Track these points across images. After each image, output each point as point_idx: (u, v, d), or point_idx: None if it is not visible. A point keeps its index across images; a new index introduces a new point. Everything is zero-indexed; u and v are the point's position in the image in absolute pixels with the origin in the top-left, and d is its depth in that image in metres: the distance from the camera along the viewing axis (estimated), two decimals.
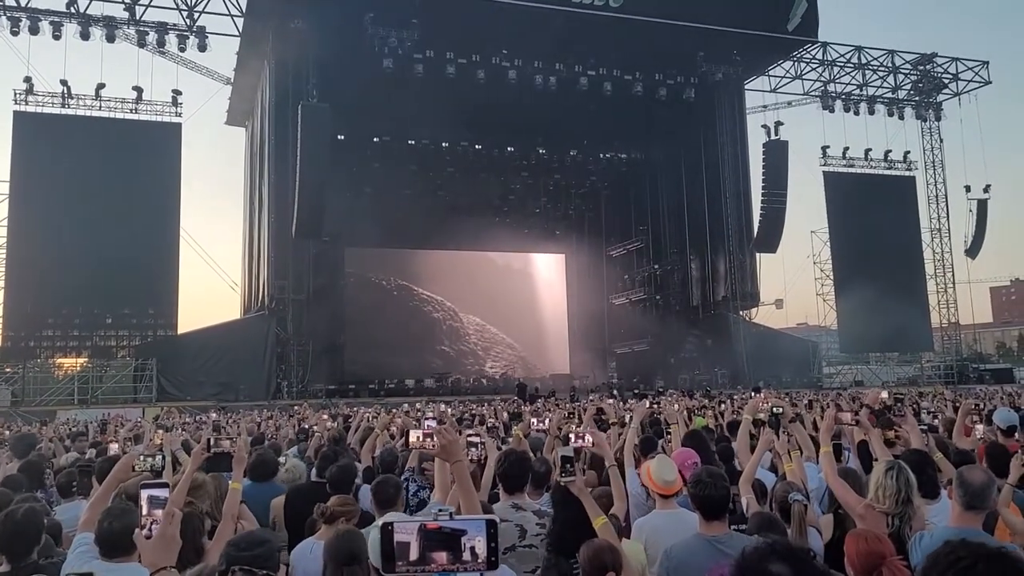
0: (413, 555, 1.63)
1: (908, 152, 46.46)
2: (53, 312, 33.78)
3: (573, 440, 5.51)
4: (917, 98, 45.77)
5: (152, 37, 34.04)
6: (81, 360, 36.30)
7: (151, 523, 2.83)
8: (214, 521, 4.63)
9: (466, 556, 1.63)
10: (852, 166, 45.56)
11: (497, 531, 1.64)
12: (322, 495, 5.52)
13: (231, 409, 25.50)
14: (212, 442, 5.13)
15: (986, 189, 45.22)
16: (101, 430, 14.82)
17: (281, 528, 6.37)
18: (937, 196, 46.71)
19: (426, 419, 9.02)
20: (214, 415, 17.78)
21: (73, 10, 32.82)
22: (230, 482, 4.81)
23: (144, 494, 2.88)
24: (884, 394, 9.38)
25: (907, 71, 44.53)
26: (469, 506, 3.66)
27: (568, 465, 4.14)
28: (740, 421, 7.09)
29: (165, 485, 2.98)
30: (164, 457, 5.38)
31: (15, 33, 32.23)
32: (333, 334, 38.35)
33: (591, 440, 5.50)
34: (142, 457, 4.68)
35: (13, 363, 34.50)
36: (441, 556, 1.63)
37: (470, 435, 5.94)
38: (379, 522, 1.69)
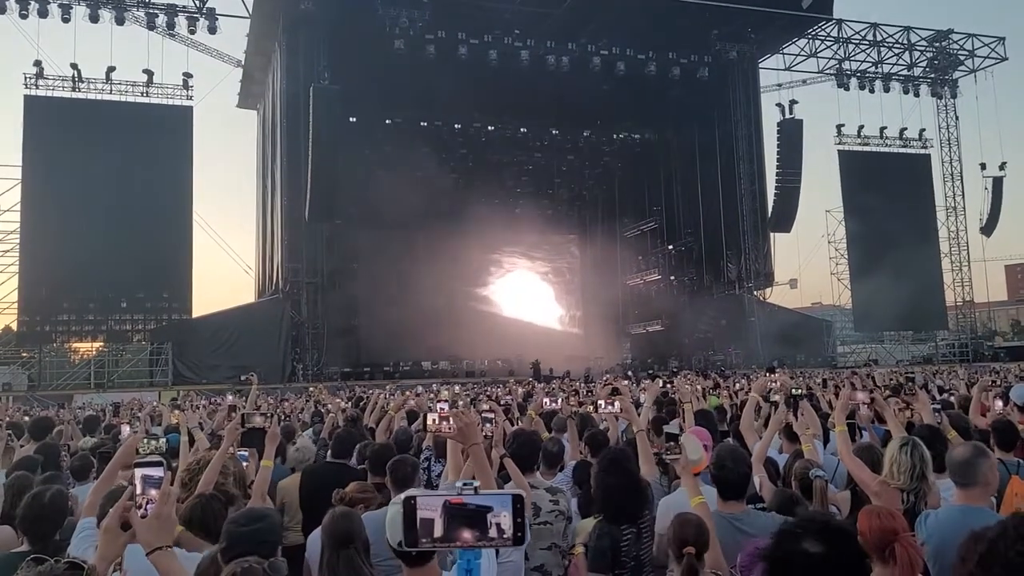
0: (438, 531, 1.62)
1: (923, 130, 46.21)
2: (68, 297, 33.84)
3: (603, 407, 5.71)
4: (933, 75, 45.35)
5: (162, 19, 34.05)
6: (97, 344, 36.51)
7: (146, 503, 2.77)
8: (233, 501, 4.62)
9: (492, 533, 1.61)
10: (867, 144, 45.24)
11: (524, 507, 1.62)
12: (339, 476, 5.51)
13: (247, 392, 25.58)
14: (245, 418, 5.09)
15: (1002, 167, 44.85)
16: (115, 413, 14.90)
17: (292, 510, 6.38)
18: (952, 174, 46.42)
19: (439, 402, 9.04)
20: (230, 397, 17.75)
21: None
22: (262, 460, 4.82)
23: (138, 473, 2.73)
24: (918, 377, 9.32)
25: (923, 48, 44.04)
26: (486, 487, 3.66)
27: (672, 443, 4.21)
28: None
29: (160, 464, 2.89)
30: (168, 440, 5.36)
31: (24, 16, 32.26)
32: (347, 317, 38.41)
33: (619, 407, 5.67)
34: (145, 440, 4.64)
35: (29, 347, 34.79)
36: (466, 533, 1.62)
37: (484, 411, 5.97)
38: (399, 497, 1.68)
